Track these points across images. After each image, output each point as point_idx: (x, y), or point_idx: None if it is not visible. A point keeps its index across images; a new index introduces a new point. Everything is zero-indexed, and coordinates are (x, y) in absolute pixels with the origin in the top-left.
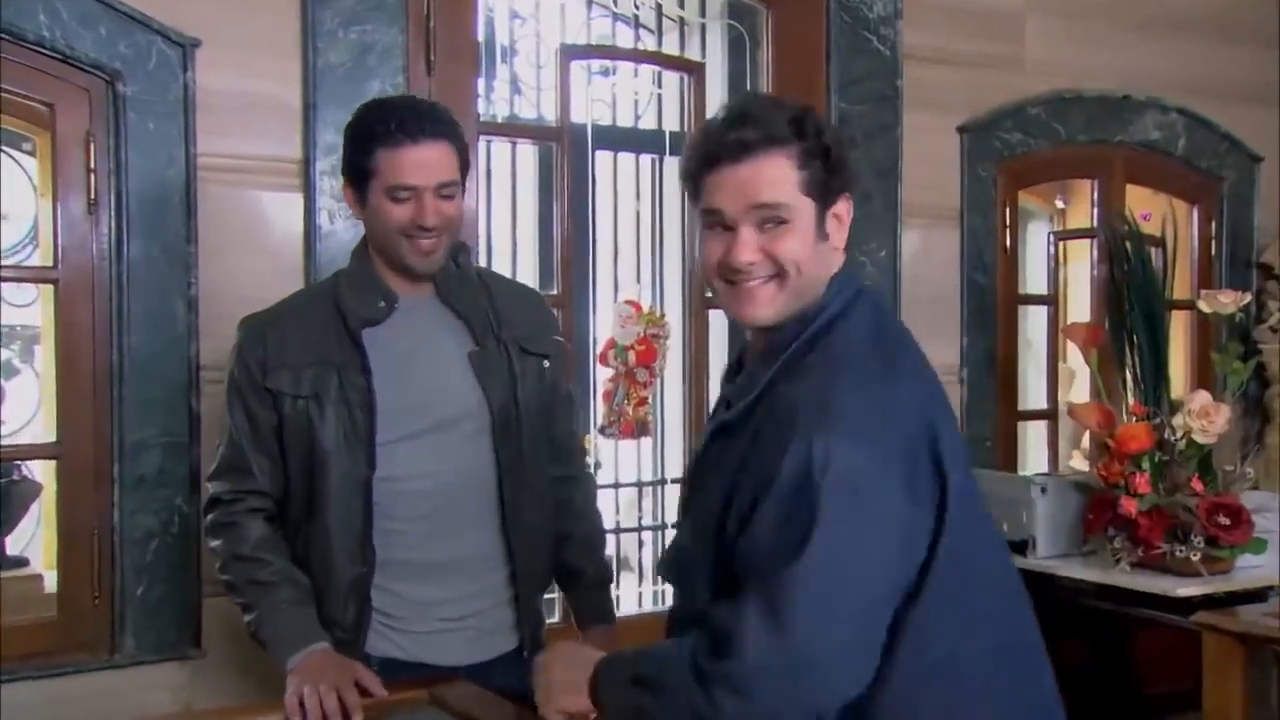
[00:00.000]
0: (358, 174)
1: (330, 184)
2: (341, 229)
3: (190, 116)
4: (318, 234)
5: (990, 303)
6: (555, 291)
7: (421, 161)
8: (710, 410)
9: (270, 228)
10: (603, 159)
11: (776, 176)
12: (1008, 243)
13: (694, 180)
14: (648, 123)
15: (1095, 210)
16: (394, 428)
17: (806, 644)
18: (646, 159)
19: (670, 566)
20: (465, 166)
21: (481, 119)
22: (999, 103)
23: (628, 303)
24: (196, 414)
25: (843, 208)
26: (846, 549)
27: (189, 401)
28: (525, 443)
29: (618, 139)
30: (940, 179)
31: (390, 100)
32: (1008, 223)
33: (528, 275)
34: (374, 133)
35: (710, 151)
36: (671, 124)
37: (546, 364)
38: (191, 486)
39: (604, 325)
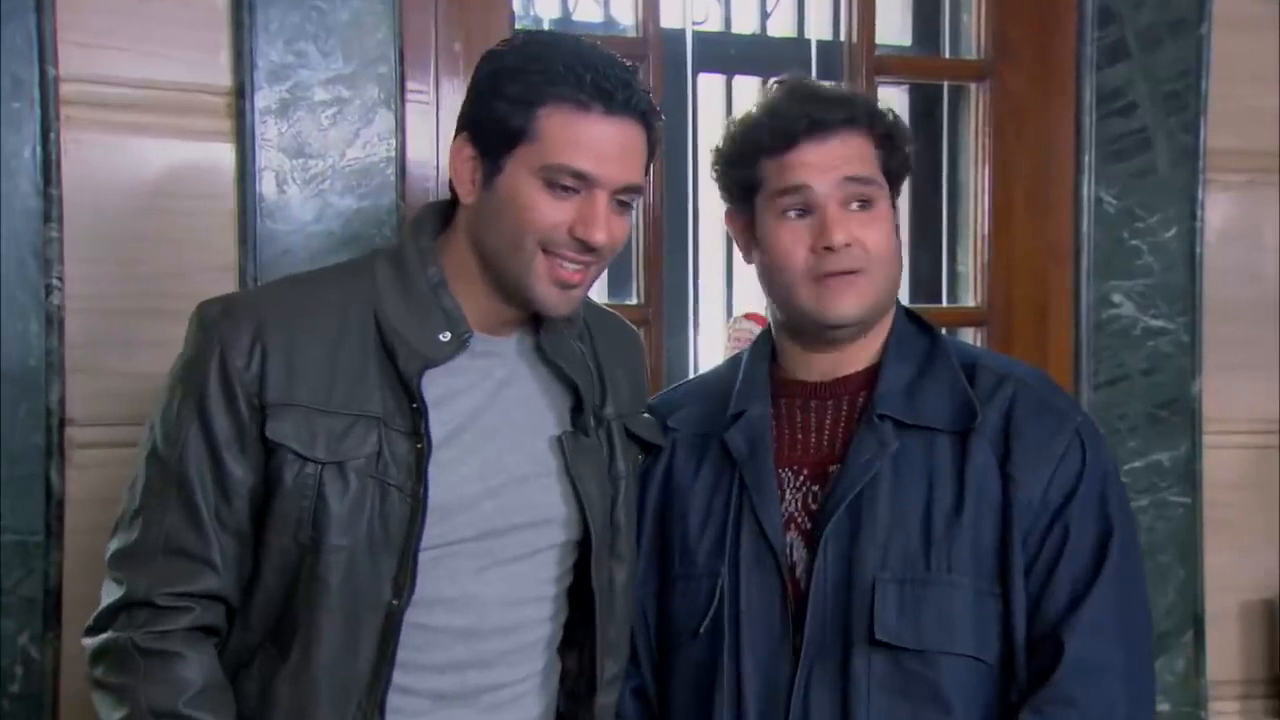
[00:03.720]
0: (496, 133)
1: (277, 128)
2: (298, 200)
3: (46, 16)
4: (258, 209)
5: None
6: (634, 301)
7: (613, 144)
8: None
9: (181, 200)
10: (710, 86)
11: (864, 153)
12: None
13: (755, 166)
14: (780, 27)
15: None
16: (431, 531)
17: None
18: None
19: (916, 610)
20: (647, 169)
21: (518, 23)
22: None
23: (748, 317)
24: (59, 498)
25: (891, 210)
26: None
27: (45, 477)
28: (623, 575)
29: (735, 55)
30: (1277, 107)
31: (579, 41)
32: None
33: None
34: (551, 76)
35: (788, 130)
36: (820, 30)
37: (643, 458)
38: (47, 616)
39: (709, 354)
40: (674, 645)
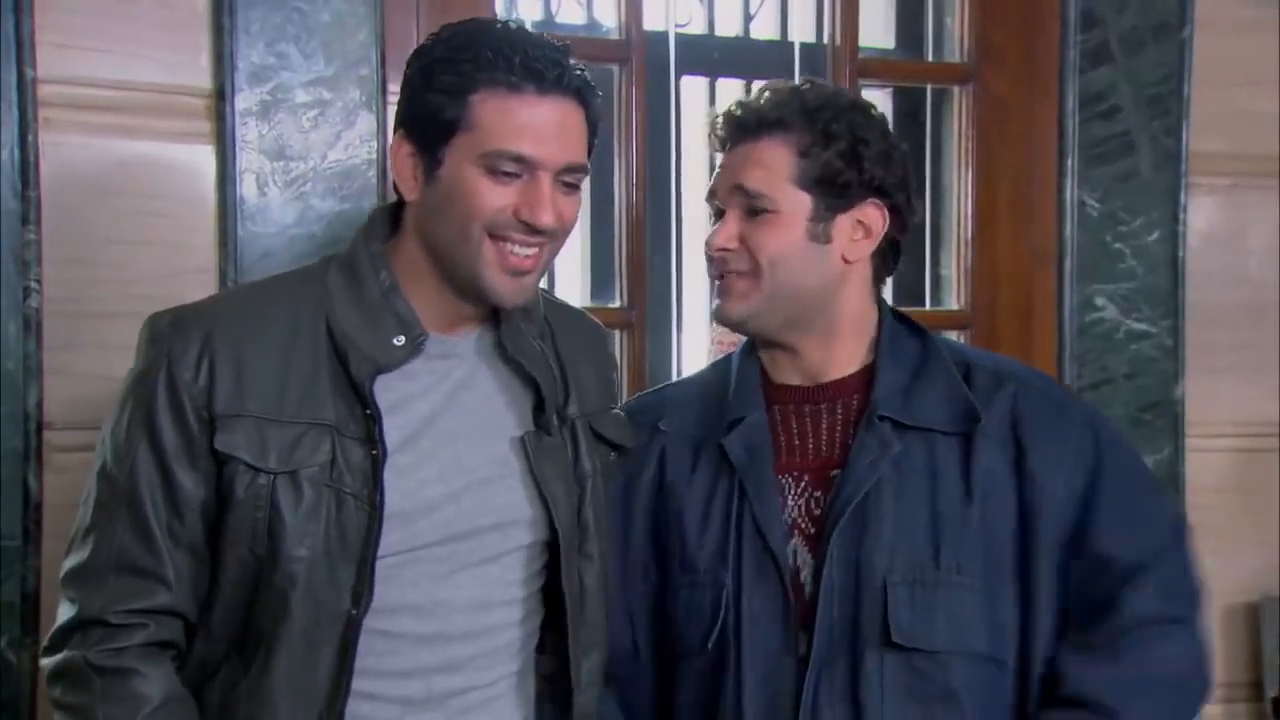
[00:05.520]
0: (432, 127)
1: (258, 130)
2: (278, 202)
3: (24, 17)
4: (239, 211)
5: None
6: (617, 304)
7: (550, 125)
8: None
9: (161, 201)
10: (693, 89)
11: (767, 161)
12: None
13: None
14: (764, 30)
15: None
16: (393, 537)
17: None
18: None
19: (928, 611)
20: (590, 147)
21: None
22: None
23: None
24: (36, 502)
25: (872, 216)
26: None
27: (23, 482)
28: (593, 575)
29: (718, 58)
30: (1260, 110)
31: (506, 26)
32: None
33: (573, 277)
34: (480, 63)
35: (716, 137)
36: (803, 33)
37: (614, 457)
38: (25, 621)
39: (693, 356)
40: (679, 656)
